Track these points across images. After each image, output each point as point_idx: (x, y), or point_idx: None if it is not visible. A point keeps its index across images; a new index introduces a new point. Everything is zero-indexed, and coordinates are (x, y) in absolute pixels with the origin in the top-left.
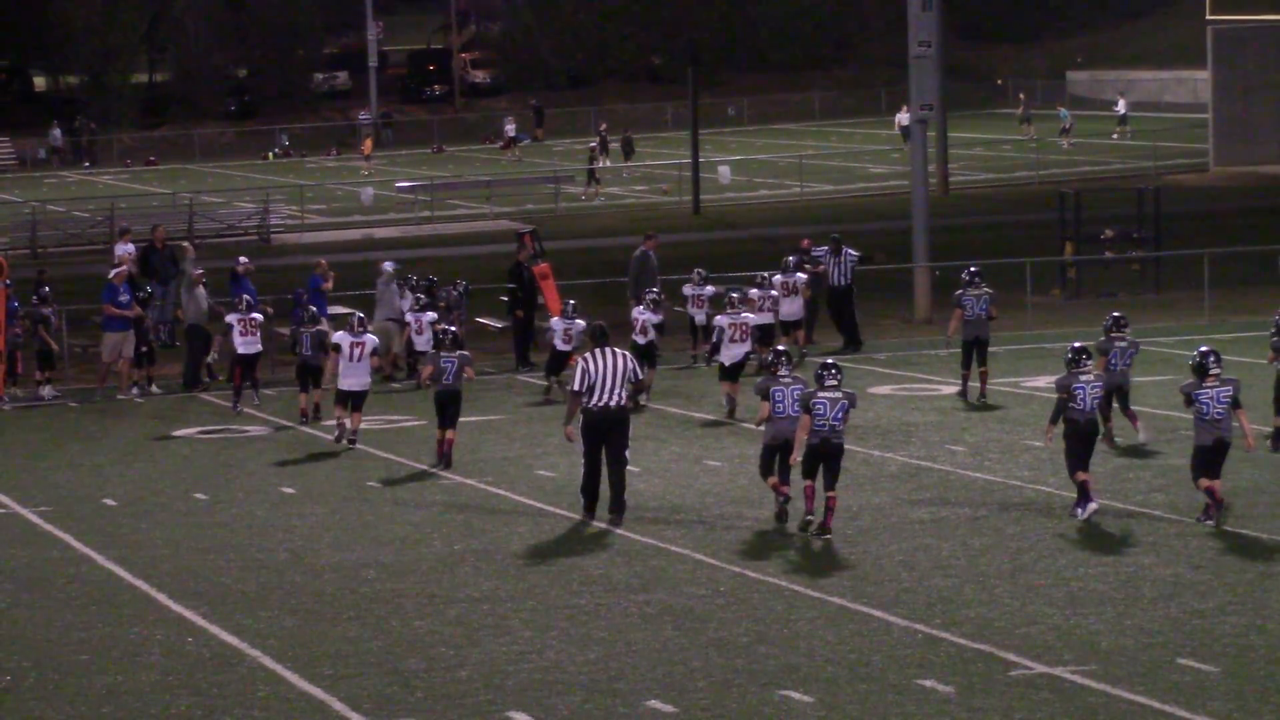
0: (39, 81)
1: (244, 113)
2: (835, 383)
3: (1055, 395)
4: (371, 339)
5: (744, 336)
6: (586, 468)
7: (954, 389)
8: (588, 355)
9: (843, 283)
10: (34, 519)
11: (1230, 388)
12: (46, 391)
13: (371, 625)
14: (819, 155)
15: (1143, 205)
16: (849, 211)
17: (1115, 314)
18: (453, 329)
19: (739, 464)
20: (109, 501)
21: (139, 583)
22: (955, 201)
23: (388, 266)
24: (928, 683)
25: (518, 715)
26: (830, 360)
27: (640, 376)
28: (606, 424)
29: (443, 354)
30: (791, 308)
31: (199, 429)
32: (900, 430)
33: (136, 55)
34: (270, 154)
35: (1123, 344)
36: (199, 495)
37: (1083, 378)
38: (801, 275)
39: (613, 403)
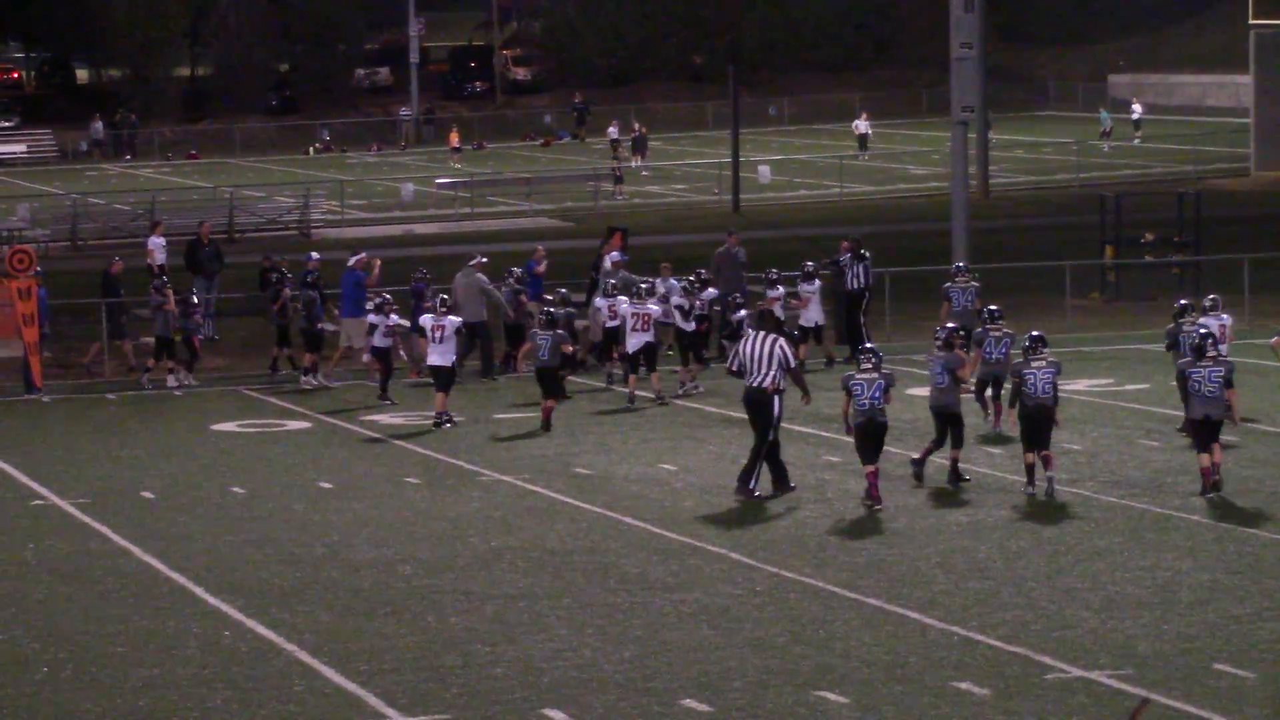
0: (81, 74)
1: (285, 107)
2: (871, 365)
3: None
4: (453, 320)
5: (645, 326)
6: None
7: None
8: (746, 336)
9: (856, 286)
10: (72, 511)
11: (1223, 368)
12: (170, 381)
13: (408, 621)
14: (859, 156)
15: (1183, 209)
16: (889, 213)
17: (991, 307)
18: (551, 309)
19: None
20: (147, 494)
21: (176, 576)
22: (996, 204)
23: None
24: (964, 685)
25: (553, 713)
26: (870, 345)
27: (794, 363)
28: (751, 403)
29: (539, 332)
30: (815, 313)
31: (238, 423)
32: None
33: (179, 49)
34: (311, 149)
35: (997, 334)
36: (237, 489)
37: (1034, 364)
38: (815, 282)
39: (758, 383)
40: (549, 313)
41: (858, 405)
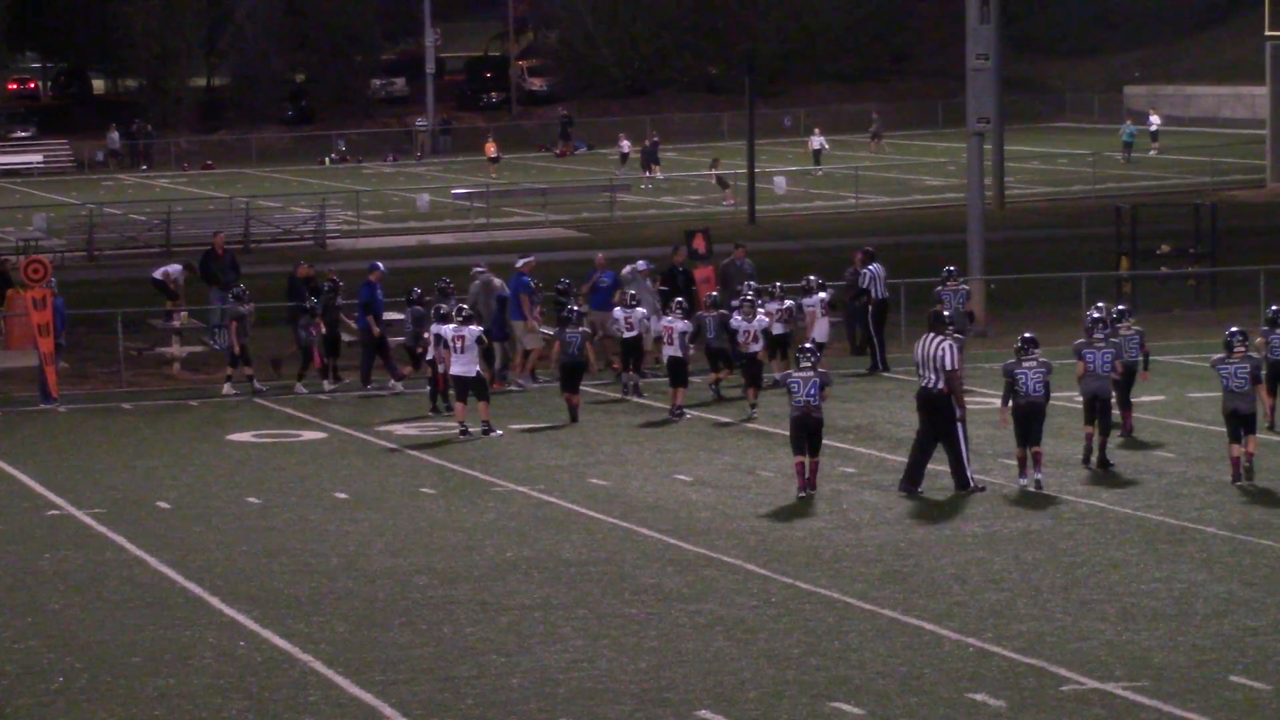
0: (98, 84)
1: (301, 118)
2: (810, 363)
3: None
4: (474, 330)
5: (671, 340)
6: (914, 442)
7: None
8: (922, 339)
9: (878, 296)
10: (88, 521)
11: (1249, 364)
12: (227, 388)
13: (423, 632)
14: (875, 167)
15: (1199, 220)
16: (904, 224)
17: (935, 309)
18: (575, 308)
19: (792, 474)
20: (163, 504)
21: (191, 586)
22: (1011, 215)
23: (641, 265)
24: (979, 696)
25: None
26: (808, 345)
27: (951, 367)
28: (923, 403)
29: (566, 330)
30: (820, 329)
31: (253, 433)
32: None
33: (195, 59)
34: (327, 159)
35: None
36: (252, 499)
37: (1025, 364)
38: (823, 295)
39: (927, 384)
40: (574, 310)
41: (794, 401)
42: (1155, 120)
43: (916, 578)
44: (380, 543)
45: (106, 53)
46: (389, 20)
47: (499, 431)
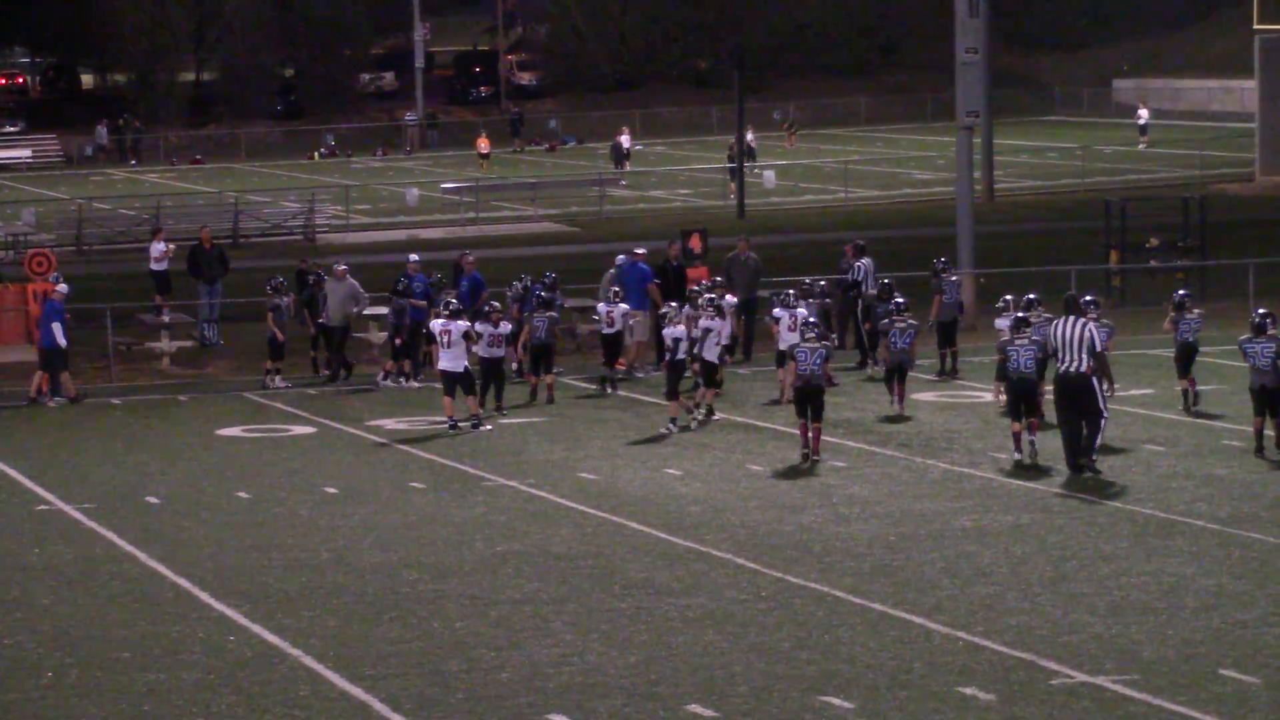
0: (86, 79)
1: (290, 112)
2: (814, 335)
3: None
4: (461, 325)
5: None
6: (1060, 428)
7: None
8: (1056, 321)
9: (867, 289)
10: (77, 516)
11: (1274, 343)
12: (278, 381)
13: (413, 626)
14: (864, 161)
15: (1188, 214)
16: (894, 218)
17: (898, 300)
18: (541, 292)
19: (781, 468)
20: (152, 499)
21: (181, 581)
22: (1000, 208)
23: (621, 259)
24: (969, 690)
25: (558, 718)
26: (812, 319)
27: (1099, 347)
28: (1068, 388)
29: (536, 314)
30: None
31: (243, 428)
32: (943, 437)
33: (184, 54)
34: (316, 154)
35: (902, 325)
36: (242, 494)
37: (1017, 342)
38: (732, 299)
39: (1073, 368)
40: (543, 296)
41: (800, 370)
42: (1144, 114)
43: (906, 572)
44: (370, 537)
45: (95, 47)
46: (378, 14)
47: (488, 426)
